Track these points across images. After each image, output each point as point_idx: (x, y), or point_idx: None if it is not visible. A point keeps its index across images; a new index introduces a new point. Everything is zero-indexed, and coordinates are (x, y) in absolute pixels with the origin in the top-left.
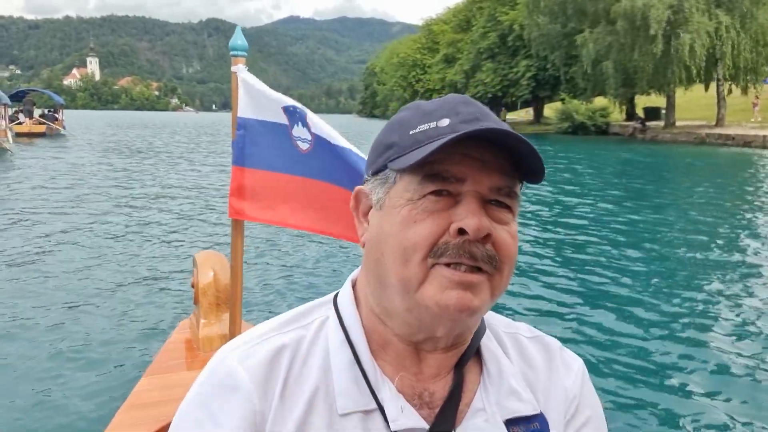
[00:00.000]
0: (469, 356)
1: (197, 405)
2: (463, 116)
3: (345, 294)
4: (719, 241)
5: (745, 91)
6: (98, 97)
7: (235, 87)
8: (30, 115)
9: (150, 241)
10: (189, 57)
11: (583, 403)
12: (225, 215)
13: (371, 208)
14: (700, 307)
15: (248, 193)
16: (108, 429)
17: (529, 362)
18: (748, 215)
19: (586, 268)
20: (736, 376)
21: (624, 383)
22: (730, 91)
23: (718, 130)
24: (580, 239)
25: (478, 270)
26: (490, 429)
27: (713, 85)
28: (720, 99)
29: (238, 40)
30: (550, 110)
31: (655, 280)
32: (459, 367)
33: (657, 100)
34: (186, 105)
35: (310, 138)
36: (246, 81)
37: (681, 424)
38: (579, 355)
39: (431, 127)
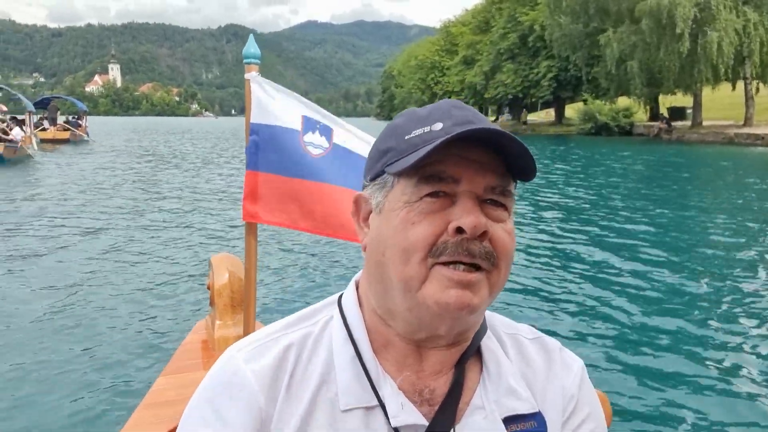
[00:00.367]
0: (469, 354)
1: (204, 403)
2: (455, 119)
3: (349, 295)
4: (756, 246)
5: None
6: (120, 104)
7: (248, 94)
8: (54, 122)
9: (169, 244)
10: (208, 63)
11: (582, 402)
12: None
13: (371, 212)
14: (719, 310)
15: (261, 197)
16: (125, 427)
17: (528, 362)
18: None
19: (612, 270)
20: (744, 379)
21: (625, 383)
22: (758, 90)
23: (746, 130)
24: (614, 242)
25: (477, 268)
26: (488, 426)
27: (739, 84)
28: (748, 98)
29: (251, 48)
30: (571, 111)
31: (689, 285)
32: (460, 365)
33: (681, 100)
34: (206, 110)
35: (327, 146)
36: (259, 88)
37: (683, 425)
38: (594, 357)
39: (426, 131)
